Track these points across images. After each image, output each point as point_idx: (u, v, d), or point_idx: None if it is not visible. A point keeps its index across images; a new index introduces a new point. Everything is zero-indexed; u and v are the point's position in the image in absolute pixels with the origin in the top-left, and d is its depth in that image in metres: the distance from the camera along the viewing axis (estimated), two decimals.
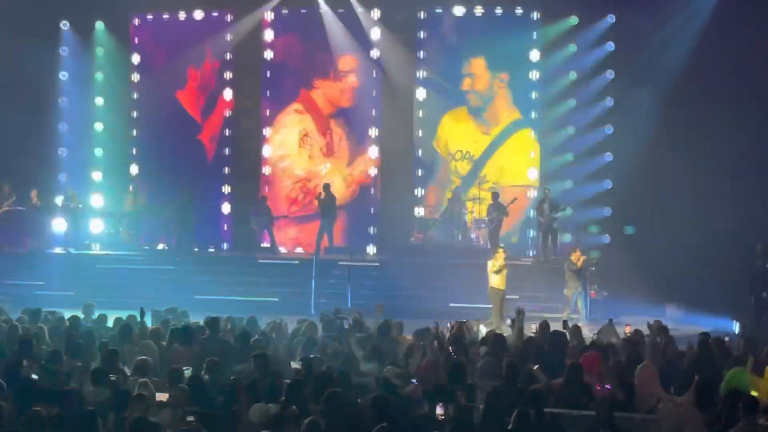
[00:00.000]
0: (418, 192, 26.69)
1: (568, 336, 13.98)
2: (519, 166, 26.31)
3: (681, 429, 9.94)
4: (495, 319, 19.27)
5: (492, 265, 19.98)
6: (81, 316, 15.49)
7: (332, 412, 9.24)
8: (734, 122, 21.92)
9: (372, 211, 27.00)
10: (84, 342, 12.91)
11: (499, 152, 26.46)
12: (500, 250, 20.43)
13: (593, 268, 21.80)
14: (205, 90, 28.00)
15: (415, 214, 26.31)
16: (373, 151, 27.03)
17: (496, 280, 19.87)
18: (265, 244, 25.86)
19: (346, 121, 27.41)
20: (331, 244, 25.31)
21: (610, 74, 24.87)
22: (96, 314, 15.97)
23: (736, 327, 19.20)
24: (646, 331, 15.03)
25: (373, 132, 27.04)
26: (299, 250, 26.79)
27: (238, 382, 10.18)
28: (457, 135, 26.80)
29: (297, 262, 24.62)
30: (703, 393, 10.16)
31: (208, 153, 27.84)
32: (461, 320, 15.27)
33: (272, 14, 27.34)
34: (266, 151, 27.62)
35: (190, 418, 8.61)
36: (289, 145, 27.61)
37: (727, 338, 14.42)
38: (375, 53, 26.66)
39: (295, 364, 12.16)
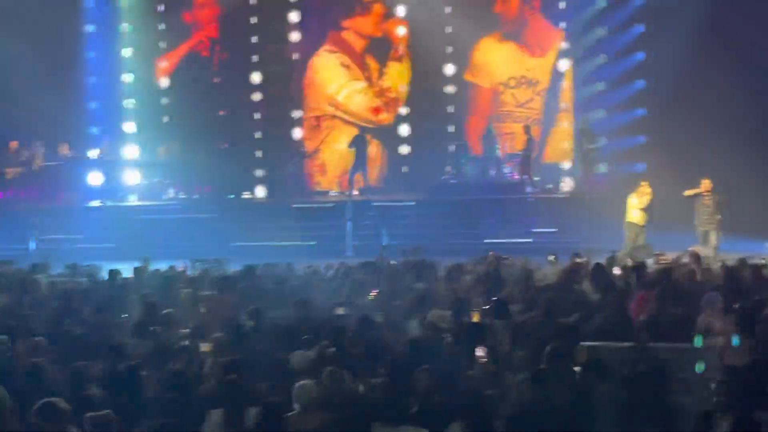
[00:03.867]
0: (451, 128, 26.59)
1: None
2: None
3: (723, 357, 9.92)
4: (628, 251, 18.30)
5: (639, 201, 19.14)
6: (131, 268, 15.56)
7: (372, 356, 9.29)
8: None
9: (406, 151, 26.93)
10: (125, 295, 13.04)
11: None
12: (645, 183, 19.48)
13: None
14: (229, 35, 27.91)
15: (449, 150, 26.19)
16: (403, 89, 26.93)
17: (638, 216, 19.16)
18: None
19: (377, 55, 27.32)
20: (366, 183, 25.34)
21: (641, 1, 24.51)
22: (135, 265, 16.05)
23: None
24: None
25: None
26: (333, 192, 26.80)
27: (279, 329, 10.23)
28: (501, 61, 26.57)
29: (332, 205, 24.63)
30: (743, 320, 10.11)
31: (239, 99, 27.77)
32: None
33: None
34: (297, 93, 27.58)
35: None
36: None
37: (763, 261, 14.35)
38: None
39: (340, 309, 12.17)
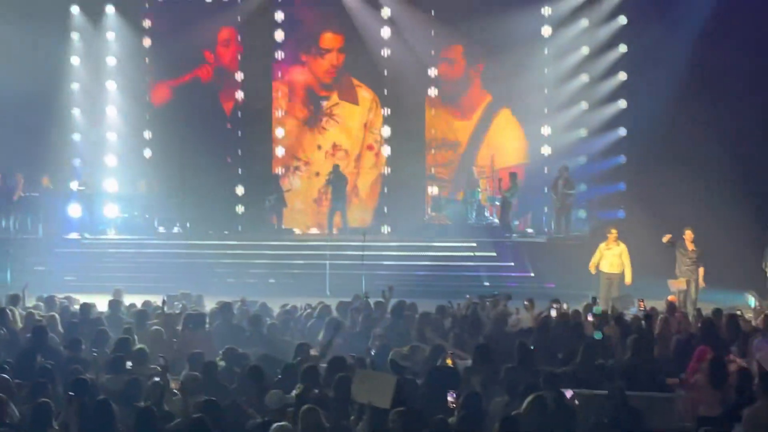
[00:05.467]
0: (431, 170, 26.75)
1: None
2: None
3: (696, 407, 9.94)
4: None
5: (611, 250, 19.18)
6: (106, 301, 15.45)
7: (344, 396, 9.26)
8: (750, 93, 21.67)
9: (385, 190, 27.01)
10: (100, 329, 12.94)
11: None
12: (614, 231, 19.49)
13: None
14: (216, 72, 28.02)
15: (429, 192, 26.29)
16: (386, 131, 27.09)
17: (610, 265, 19.16)
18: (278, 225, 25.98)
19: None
20: (345, 224, 25.37)
21: (622, 48, 24.73)
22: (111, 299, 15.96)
23: (751, 300, 19.13)
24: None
25: (386, 111, 27.04)
26: (314, 230, 26.84)
27: (253, 369, 10.17)
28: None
29: (311, 243, 24.60)
30: (715, 371, 10.13)
31: (222, 134, 27.80)
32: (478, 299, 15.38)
33: None
34: (279, 132, 27.68)
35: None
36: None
37: (739, 312, 14.40)
38: (386, 32, 26.59)
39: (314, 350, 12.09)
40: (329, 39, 27.44)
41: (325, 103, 27.71)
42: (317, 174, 27.37)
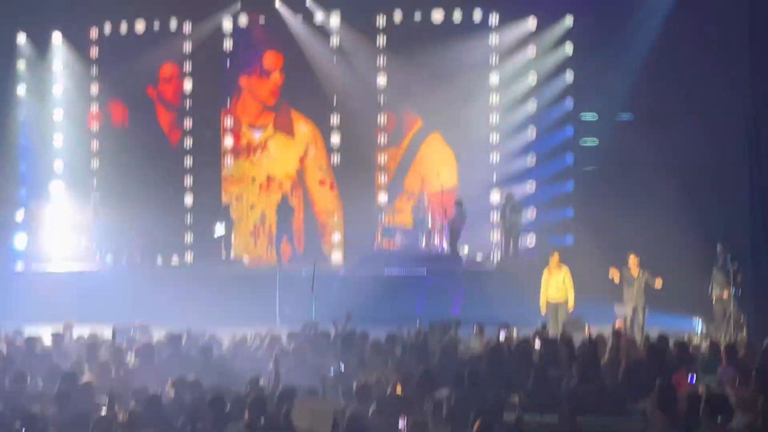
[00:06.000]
0: (382, 197, 26.81)
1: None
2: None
3: None
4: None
5: (556, 276, 19.18)
6: (54, 333, 15.26)
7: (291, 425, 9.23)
8: (696, 120, 21.97)
9: (336, 219, 27.02)
10: (45, 362, 12.78)
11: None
12: (555, 254, 19.54)
13: None
14: (165, 103, 27.90)
15: (379, 220, 26.35)
16: (335, 158, 27.13)
17: (555, 292, 19.19)
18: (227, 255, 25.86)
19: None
20: (294, 252, 25.32)
21: (569, 75, 25.06)
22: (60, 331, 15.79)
23: (699, 326, 19.31)
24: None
25: (334, 139, 27.13)
26: (263, 259, 26.77)
27: (202, 400, 10.09)
28: None
29: (261, 271, 24.52)
30: (664, 396, 10.22)
31: (171, 163, 27.66)
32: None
33: (231, 23, 27.27)
34: (228, 161, 27.62)
35: None
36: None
37: (686, 337, 14.56)
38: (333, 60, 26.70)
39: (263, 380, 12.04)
40: (272, 58, 27.40)
41: (259, 135, 27.67)
42: (252, 207, 27.29)
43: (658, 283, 18.68)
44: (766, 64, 18.65)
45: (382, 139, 26.86)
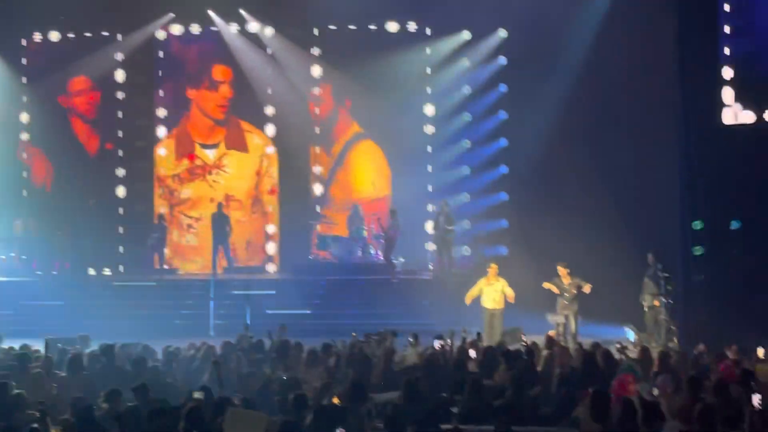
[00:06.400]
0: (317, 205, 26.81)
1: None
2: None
3: None
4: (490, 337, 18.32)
5: (492, 286, 19.35)
6: None
7: None
8: (626, 133, 22.26)
9: (270, 230, 26.92)
10: None
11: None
12: (494, 266, 19.74)
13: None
14: (96, 111, 27.57)
15: (315, 229, 26.31)
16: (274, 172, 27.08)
17: (491, 300, 19.33)
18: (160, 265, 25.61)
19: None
20: (230, 263, 25.17)
21: (503, 88, 25.29)
22: None
23: (631, 334, 19.58)
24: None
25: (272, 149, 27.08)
26: (196, 270, 26.53)
27: (131, 413, 9.96)
28: None
29: (194, 282, 24.34)
30: (597, 405, 10.30)
31: (102, 173, 27.30)
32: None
33: (164, 33, 27.07)
34: (160, 170, 27.36)
35: None
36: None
37: (618, 345, 14.71)
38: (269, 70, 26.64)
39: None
40: (220, 71, 27.26)
41: (213, 154, 27.48)
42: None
43: (587, 288, 18.99)
44: (694, 78, 19.03)
45: (317, 148, 26.83)
